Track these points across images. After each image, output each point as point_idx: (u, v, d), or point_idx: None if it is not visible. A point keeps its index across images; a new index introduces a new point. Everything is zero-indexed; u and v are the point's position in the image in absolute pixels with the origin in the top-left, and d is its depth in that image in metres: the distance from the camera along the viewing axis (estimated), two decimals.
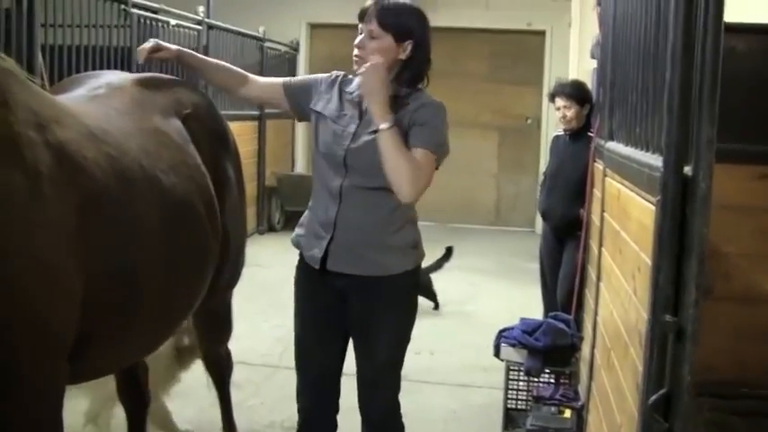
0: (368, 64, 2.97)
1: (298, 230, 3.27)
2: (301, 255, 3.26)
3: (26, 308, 2.16)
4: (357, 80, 3.15)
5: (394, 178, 2.90)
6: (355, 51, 3.05)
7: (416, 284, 3.31)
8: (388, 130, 2.90)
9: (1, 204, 2.09)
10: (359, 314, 3.17)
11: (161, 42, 3.32)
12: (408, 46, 3.02)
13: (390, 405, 3.30)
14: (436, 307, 7.50)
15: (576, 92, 5.52)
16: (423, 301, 7.37)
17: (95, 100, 2.88)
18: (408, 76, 3.07)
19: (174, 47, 3.37)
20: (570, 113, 5.51)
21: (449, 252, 7.70)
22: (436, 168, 3.03)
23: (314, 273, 3.17)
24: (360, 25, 3.05)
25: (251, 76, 3.41)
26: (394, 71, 3.04)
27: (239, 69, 3.44)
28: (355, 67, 3.07)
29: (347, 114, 3.12)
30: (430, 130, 2.99)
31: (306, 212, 3.27)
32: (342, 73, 3.25)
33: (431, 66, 3.14)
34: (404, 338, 3.27)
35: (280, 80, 3.36)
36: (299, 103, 3.27)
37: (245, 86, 3.36)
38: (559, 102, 5.58)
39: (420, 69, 3.09)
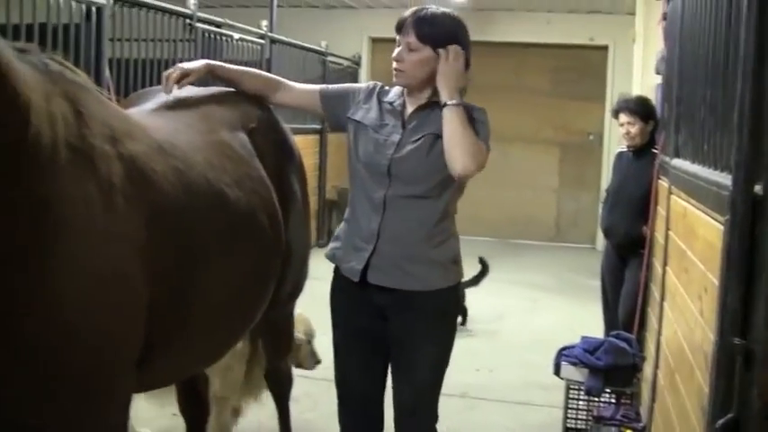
0: (452, 47, 2.96)
1: (333, 244, 3.23)
2: (337, 271, 3.21)
3: (103, 317, 2.20)
4: (395, 90, 3.14)
5: (457, 150, 2.88)
6: (394, 64, 3.02)
7: (457, 302, 3.24)
8: (456, 106, 2.92)
9: (78, 216, 2.13)
10: (398, 331, 3.09)
11: (184, 66, 3.20)
12: None
13: None
14: (464, 323, 7.23)
15: (640, 108, 5.43)
16: (460, 323, 7.33)
17: (163, 114, 2.92)
18: None
19: (201, 62, 3.27)
20: (634, 130, 5.43)
21: (484, 266, 7.48)
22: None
23: (353, 289, 3.11)
24: (397, 37, 3.02)
25: (286, 81, 3.36)
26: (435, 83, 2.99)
27: (273, 76, 3.41)
28: (395, 79, 3.05)
29: (389, 124, 3.08)
30: (481, 125, 2.98)
31: (341, 225, 3.23)
32: (379, 83, 3.23)
33: (470, 70, 3.07)
34: (443, 359, 3.14)
35: (317, 87, 3.32)
36: (334, 112, 3.23)
37: (280, 92, 3.30)
38: (623, 118, 5.49)
39: None
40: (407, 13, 3.00)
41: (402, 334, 3.08)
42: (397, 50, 3.01)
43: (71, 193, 2.11)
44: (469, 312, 7.39)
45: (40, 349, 2.06)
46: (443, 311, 3.11)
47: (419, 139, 3.00)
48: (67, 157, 2.12)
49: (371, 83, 3.24)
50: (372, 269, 3.05)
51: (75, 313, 2.12)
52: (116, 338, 2.25)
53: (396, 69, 3.01)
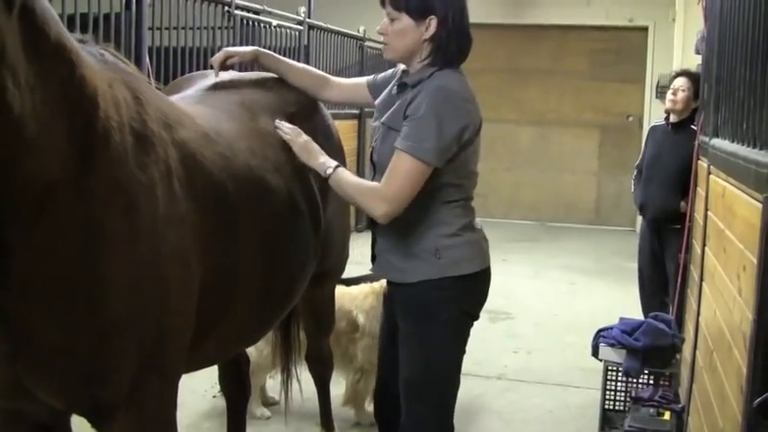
0: (288, 128, 2.97)
1: None
2: None
3: (172, 297, 2.29)
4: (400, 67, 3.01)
5: (364, 208, 2.80)
6: (381, 38, 2.93)
7: (447, 298, 2.88)
8: (331, 175, 2.85)
9: (144, 200, 2.21)
10: (396, 321, 3.01)
11: (231, 49, 3.26)
12: (431, 23, 2.79)
13: None
14: None
15: (698, 81, 5.30)
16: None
17: (205, 100, 2.99)
18: (440, 57, 2.83)
19: (249, 48, 3.31)
20: (682, 95, 5.37)
21: None
22: (438, 165, 2.75)
23: None
24: (383, 10, 2.90)
25: (333, 78, 3.37)
26: (424, 52, 2.84)
27: (320, 72, 3.41)
28: (384, 54, 2.95)
29: (384, 108, 2.97)
30: (411, 125, 2.75)
31: None
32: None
33: (470, 42, 2.90)
34: (429, 361, 2.90)
35: (363, 79, 3.29)
36: None
37: (327, 88, 3.32)
38: (679, 81, 5.43)
39: (448, 48, 2.83)
40: None
41: (398, 325, 3.01)
42: (380, 24, 2.90)
43: (137, 176, 2.19)
44: (509, 294, 7.39)
45: (114, 325, 2.15)
46: (427, 306, 2.89)
47: (381, 127, 2.93)
48: (133, 142, 2.20)
49: (402, 66, 3.04)
50: (376, 259, 3.04)
51: (149, 292, 2.21)
52: (183, 317, 2.35)
53: (382, 43, 2.93)
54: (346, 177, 2.88)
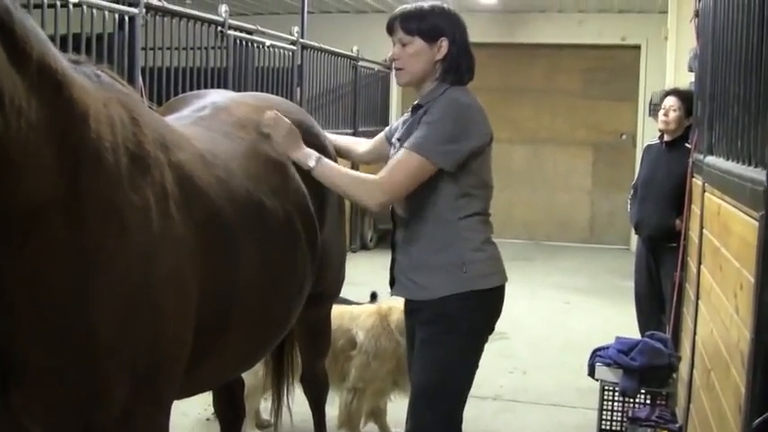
0: (270, 115, 3.02)
1: None
2: None
3: (166, 322, 2.25)
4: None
5: (354, 198, 2.94)
6: (393, 65, 3.03)
7: (470, 310, 2.96)
8: (316, 167, 2.94)
9: (138, 221, 2.17)
10: (418, 337, 3.05)
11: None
12: (443, 43, 2.94)
13: None
14: None
15: (689, 99, 5.32)
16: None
17: (201, 121, 2.97)
18: (451, 75, 2.97)
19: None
20: (674, 115, 5.36)
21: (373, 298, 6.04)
22: (447, 168, 2.85)
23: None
24: (392, 38, 3.02)
25: (362, 139, 3.59)
26: (437, 72, 2.97)
27: (355, 138, 3.67)
28: (398, 81, 3.07)
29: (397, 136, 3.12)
30: (421, 130, 2.87)
31: None
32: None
33: (474, 60, 3.03)
34: (444, 368, 2.97)
35: (381, 133, 3.41)
36: None
37: (359, 146, 3.52)
38: (670, 101, 5.41)
39: (459, 65, 2.98)
40: (394, 13, 3.02)
41: (417, 340, 3.05)
42: (392, 51, 3.02)
43: (131, 198, 2.16)
44: (503, 314, 7.36)
45: (106, 351, 2.10)
46: (449, 318, 2.95)
47: (396, 145, 3.03)
48: (127, 163, 2.17)
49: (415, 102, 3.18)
50: (396, 282, 3.11)
51: (142, 317, 2.17)
52: (178, 343, 2.31)
53: (396, 69, 3.02)
54: (335, 168, 2.98)
